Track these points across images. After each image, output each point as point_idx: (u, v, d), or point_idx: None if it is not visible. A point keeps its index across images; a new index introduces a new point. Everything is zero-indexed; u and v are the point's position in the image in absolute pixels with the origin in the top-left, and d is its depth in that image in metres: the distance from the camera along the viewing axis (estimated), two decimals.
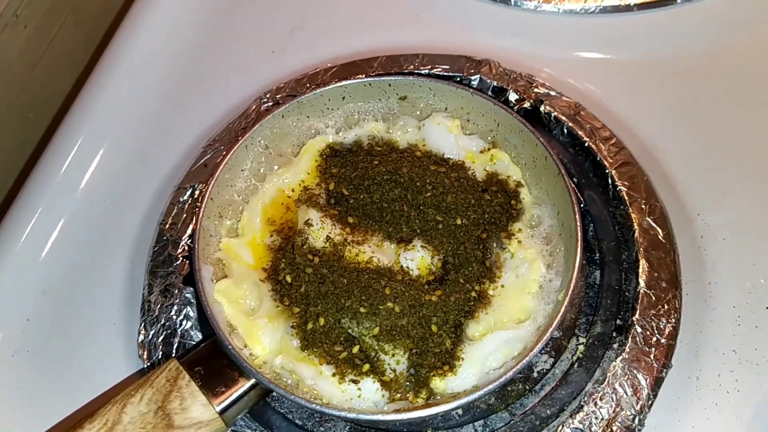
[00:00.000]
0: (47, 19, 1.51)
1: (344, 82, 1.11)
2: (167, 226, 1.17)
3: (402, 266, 1.00)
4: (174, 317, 1.09)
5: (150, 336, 1.08)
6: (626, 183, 1.16)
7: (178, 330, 1.08)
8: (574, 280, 0.93)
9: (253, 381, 0.92)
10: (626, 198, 1.14)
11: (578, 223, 0.97)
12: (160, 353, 1.06)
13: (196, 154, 1.25)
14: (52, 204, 1.24)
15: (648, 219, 1.12)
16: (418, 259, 1.01)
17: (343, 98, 1.13)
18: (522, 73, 1.29)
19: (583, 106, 1.25)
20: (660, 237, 1.11)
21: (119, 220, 1.23)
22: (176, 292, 1.10)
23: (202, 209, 1.01)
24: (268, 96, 1.28)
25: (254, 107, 1.27)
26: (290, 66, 1.38)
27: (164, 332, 1.08)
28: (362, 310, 0.94)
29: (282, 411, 1.02)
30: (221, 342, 0.93)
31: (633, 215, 1.12)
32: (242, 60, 1.41)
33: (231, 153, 1.06)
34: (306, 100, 1.10)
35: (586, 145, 1.19)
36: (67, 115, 1.34)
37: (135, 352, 1.09)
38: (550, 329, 0.90)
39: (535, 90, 1.26)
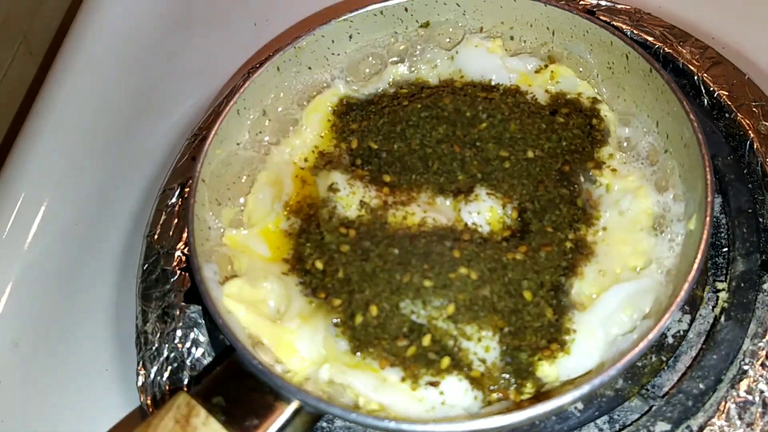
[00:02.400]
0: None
1: (349, 15, 0.87)
2: (156, 237, 0.92)
3: (466, 224, 0.75)
4: (179, 346, 0.83)
5: (152, 375, 0.82)
6: (724, 86, 0.91)
7: (186, 361, 0.82)
8: (710, 191, 0.67)
9: (296, 404, 0.66)
10: (729, 103, 0.89)
11: (695, 123, 0.72)
12: (169, 395, 0.80)
13: (181, 148, 1.01)
14: (12, 238, 1.00)
15: (765, 123, 0.87)
16: (485, 212, 0.75)
17: (350, 37, 0.89)
18: None
19: (644, 11, 1.02)
20: None
21: (99, 242, 0.98)
22: (177, 313, 0.85)
23: (193, 194, 0.76)
24: (256, 67, 1.04)
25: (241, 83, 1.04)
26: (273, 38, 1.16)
27: (169, 367, 0.82)
28: (427, 283, 0.68)
29: None
30: (243, 359, 0.67)
31: (744, 121, 0.87)
32: (221, 36, 1.18)
33: (219, 121, 0.81)
34: (305, 43, 0.86)
35: (662, 51, 0.95)
36: (24, 124, 1.09)
37: (136, 399, 0.84)
38: (696, 264, 0.64)
39: (582, 3, 1.02)
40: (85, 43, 1.14)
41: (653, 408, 0.72)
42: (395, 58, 0.92)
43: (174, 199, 0.95)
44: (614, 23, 0.97)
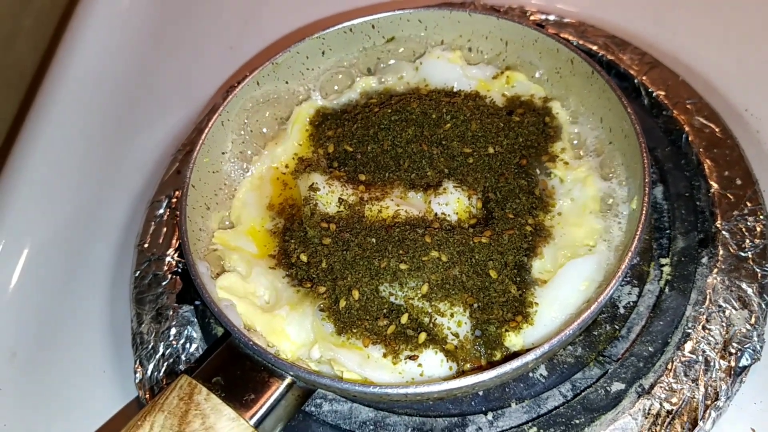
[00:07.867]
0: None
1: (321, 33, 0.95)
2: (146, 245, 0.99)
3: (436, 214, 0.83)
4: (174, 342, 0.89)
5: (149, 372, 0.88)
6: (661, 87, 1.01)
7: (182, 356, 0.88)
8: (647, 171, 0.76)
9: (288, 380, 0.72)
10: (666, 102, 0.99)
11: (632, 115, 0.81)
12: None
13: (166, 164, 1.08)
14: (7, 252, 1.04)
15: (698, 118, 0.97)
16: (453, 203, 0.83)
17: (323, 53, 0.97)
18: (512, 6, 1.16)
19: (588, 23, 1.12)
20: (717, 134, 0.95)
21: (91, 253, 1.04)
22: (171, 313, 0.91)
23: (184, 197, 0.83)
24: (236, 85, 1.12)
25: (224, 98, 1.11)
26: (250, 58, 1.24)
27: (165, 363, 0.88)
28: (403, 266, 0.76)
29: (328, 420, 0.82)
30: (239, 342, 0.73)
31: (680, 117, 0.97)
32: (200, 60, 1.25)
33: (206, 131, 0.88)
34: (281, 60, 0.94)
35: (605, 58, 1.05)
36: (14, 145, 1.15)
37: (134, 395, 0.89)
38: (637, 234, 0.73)
39: (532, 18, 1.12)
40: (71, 67, 1.20)
41: (609, 371, 0.80)
42: (365, 71, 1.00)
43: (162, 210, 1.02)
44: (561, 35, 1.08)
